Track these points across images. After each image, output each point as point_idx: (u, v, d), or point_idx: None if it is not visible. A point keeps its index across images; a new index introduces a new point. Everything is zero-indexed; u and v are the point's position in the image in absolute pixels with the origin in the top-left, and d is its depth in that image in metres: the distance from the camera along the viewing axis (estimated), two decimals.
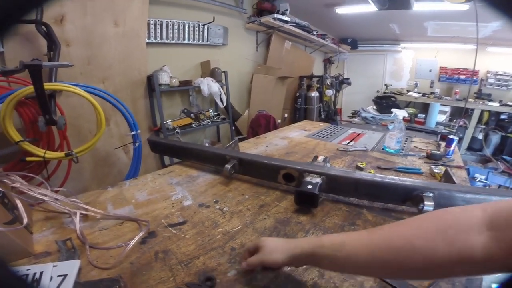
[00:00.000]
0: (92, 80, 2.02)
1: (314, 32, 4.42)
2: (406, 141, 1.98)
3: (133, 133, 1.69)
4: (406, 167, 1.44)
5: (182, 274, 0.62)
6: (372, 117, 3.67)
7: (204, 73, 2.83)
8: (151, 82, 2.39)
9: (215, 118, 2.85)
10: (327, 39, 4.82)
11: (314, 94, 4.26)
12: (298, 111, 4.35)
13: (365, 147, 1.79)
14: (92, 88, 1.50)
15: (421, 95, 5.16)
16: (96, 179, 2.16)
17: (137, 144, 1.72)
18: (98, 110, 1.34)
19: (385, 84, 5.49)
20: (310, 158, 1.38)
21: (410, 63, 5.55)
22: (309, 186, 0.93)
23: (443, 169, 1.29)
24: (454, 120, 4.87)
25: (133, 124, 1.70)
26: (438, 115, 4.77)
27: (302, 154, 1.59)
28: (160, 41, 2.53)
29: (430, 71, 5.24)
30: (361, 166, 1.39)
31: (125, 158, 2.29)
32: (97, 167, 2.16)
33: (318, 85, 4.33)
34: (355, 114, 3.96)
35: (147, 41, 2.41)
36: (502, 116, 4.74)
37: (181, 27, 2.66)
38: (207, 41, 2.87)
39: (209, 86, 2.59)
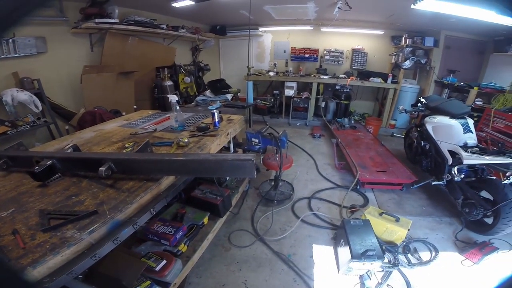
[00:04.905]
0: None
1: (163, 26, 4.78)
2: (196, 119, 2.48)
3: None
4: (161, 142, 1.81)
5: None
6: (202, 100, 4.32)
7: (17, 83, 3.12)
8: None
9: (35, 122, 3.17)
10: (181, 30, 5.20)
11: (168, 83, 4.74)
12: (157, 100, 4.82)
13: (155, 129, 2.16)
14: None
15: (275, 73, 5.96)
16: None
17: None
18: None
19: (247, 66, 6.13)
20: (99, 147, 1.73)
21: (270, 46, 6.29)
22: (36, 168, 1.20)
23: (186, 139, 1.77)
24: (300, 93, 5.86)
25: None
26: (287, 90, 5.66)
27: (93, 144, 1.86)
28: None
29: (284, 51, 6.05)
30: (127, 146, 1.73)
31: None
32: None
33: (169, 75, 4.81)
34: None
35: None
36: (337, 87, 5.82)
37: None
38: (16, 53, 3.13)
39: (14, 96, 2.89)
